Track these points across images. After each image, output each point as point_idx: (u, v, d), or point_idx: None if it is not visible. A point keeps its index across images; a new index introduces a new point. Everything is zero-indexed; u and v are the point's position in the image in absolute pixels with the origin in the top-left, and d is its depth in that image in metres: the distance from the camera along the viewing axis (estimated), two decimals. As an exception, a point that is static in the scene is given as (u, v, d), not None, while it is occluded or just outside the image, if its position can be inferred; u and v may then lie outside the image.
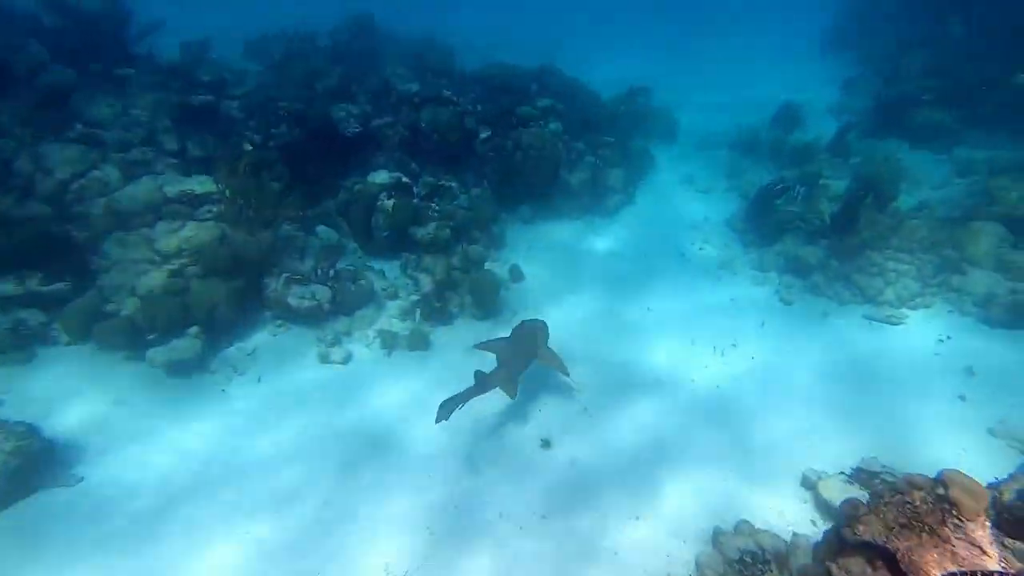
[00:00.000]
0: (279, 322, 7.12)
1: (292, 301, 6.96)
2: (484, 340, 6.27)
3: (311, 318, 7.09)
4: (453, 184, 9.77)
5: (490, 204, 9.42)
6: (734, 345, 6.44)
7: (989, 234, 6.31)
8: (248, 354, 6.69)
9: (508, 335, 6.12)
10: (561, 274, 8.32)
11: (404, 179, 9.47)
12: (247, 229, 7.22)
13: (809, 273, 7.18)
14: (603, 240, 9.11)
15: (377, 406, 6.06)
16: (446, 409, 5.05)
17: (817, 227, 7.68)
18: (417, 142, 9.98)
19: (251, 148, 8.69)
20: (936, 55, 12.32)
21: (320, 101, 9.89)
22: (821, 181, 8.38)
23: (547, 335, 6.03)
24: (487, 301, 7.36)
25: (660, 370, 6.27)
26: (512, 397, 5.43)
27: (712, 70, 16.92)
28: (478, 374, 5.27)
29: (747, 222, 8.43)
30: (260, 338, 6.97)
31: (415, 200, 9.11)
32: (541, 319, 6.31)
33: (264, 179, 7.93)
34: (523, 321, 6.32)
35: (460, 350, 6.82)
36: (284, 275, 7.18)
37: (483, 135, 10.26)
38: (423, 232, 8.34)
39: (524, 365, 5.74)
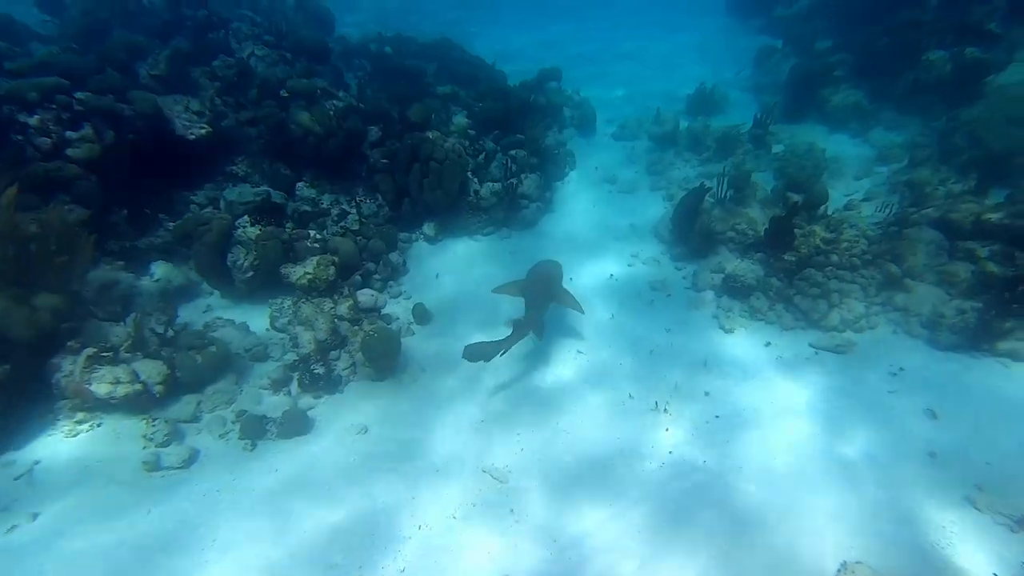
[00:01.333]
0: (80, 417, 5.01)
1: (100, 389, 4.91)
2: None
3: (135, 407, 5.11)
4: (340, 201, 7.91)
5: (388, 229, 7.66)
6: (677, 388, 5.45)
7: (926, 242, 5.77)
8: (18, 477, 4.51)
9: (525, 277, 6.28)
10: (476, 307, 6.89)
11: (273, 196, 7.45)
12: (12, 294, 4.94)
13: (748, 294, 6.34)
14: (522, 261, 7.77)
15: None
16: (481, 352, 5.15)
17: (752, 240, 6.87)
18: (290, 146, 7.90)
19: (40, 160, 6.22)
20: (839, 17, 12.15)
21: (144, 91, 7.41)
22: (751, 179, 7.55)
23: (562, 275, 6.30)
24: (386, 359, 5.76)
25: (599, 447, 5.05)
26: (540, 339, 5.90)
27: (618, 39, 15.93)
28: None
29: (675, 232, 7.45)
30: (47, 447, 4.80)
31: (288, 226, 7.16)
32: (556, 260, 6.52)
33: (55, 208, 5.63)
34: (539, 262, 6.52)
35: (353, 431, 5.23)
36: (87, 350, 5.07)
37: (373, 138, 8.39)
38: (300, 272, 6.48)
39: (546, 306, 5.92)
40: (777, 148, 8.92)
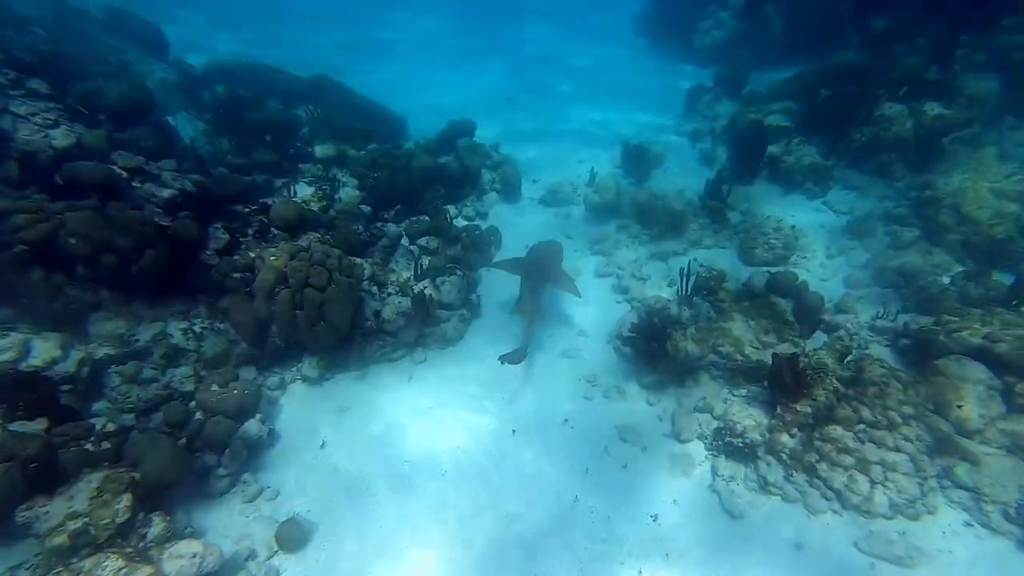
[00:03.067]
0: None
1: None
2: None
3: None
4: (168, 334, 5.18)
5: (243, 394, 4.88)
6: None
7: (973, 382, 4.33)
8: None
9: (525, 256, 6.40)
10: (387, 495, 4.55)
11: (33, 355, 4.57)
12: None
13: (753, 455, 4.57)
14: (440, 407, 5.52)
15: None
16: (517, 355, 5.37)
17: (740, 365, 5.15)
18: (71, 267, 5.04)
19: None
20: (760, 51, 11.25)
21: None
22: (724, 283, 5.84)
23: (562, 256, 6.30)
24: None
25: None
26: (534, 325, 5.71)
27: (528, 78, 14.10)
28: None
29: (639, 351, 5.57)
30: None
31: (44, 426, 4.29)
32: (556, 240, 6.66)
33: None
34: (540, 242, 6.63)
35: None
36: None
37: (213, 245, 5.70)
38: (58, 516, 3.72)
39: (542, 288, 5.89)
40: (734, 217, 7.41)
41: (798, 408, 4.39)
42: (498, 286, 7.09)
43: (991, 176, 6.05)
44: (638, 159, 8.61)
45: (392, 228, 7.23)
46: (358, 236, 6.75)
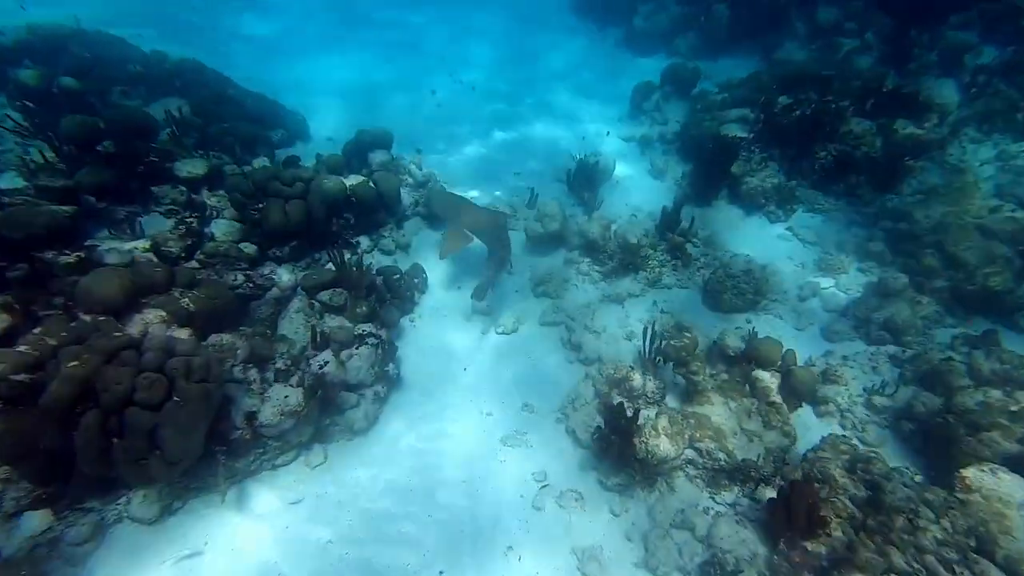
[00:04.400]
0: None
1: None
2: None
3: None
4: None
5: None
6: None
7: (1016, 506, 3.43)
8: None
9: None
10: None
11: None
12: None
13: (749, 597, 3.52)
14: (343, 542, 4.00)
15: None
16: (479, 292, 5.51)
17: (724, 465, 4.05)
18: None
19: None
20: (704, 38, 10.06)
21: None
22: (697, 351, 4.66)
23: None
24: None
25: None
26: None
27: (449, 54, 12.05)
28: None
29: (600, 446, 4.33)
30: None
31: None
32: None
33: None
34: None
35: None
36: None
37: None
38: None
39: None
40: (694, 248, 6.27)
41: (808, 547, 3.34)
42: (423, 337, 5.56)
43: (974, 209, 5.34)
44: (584, 176, 7.22)
45: (284, 276, 5.42)
46: (233, 292, 4.92)
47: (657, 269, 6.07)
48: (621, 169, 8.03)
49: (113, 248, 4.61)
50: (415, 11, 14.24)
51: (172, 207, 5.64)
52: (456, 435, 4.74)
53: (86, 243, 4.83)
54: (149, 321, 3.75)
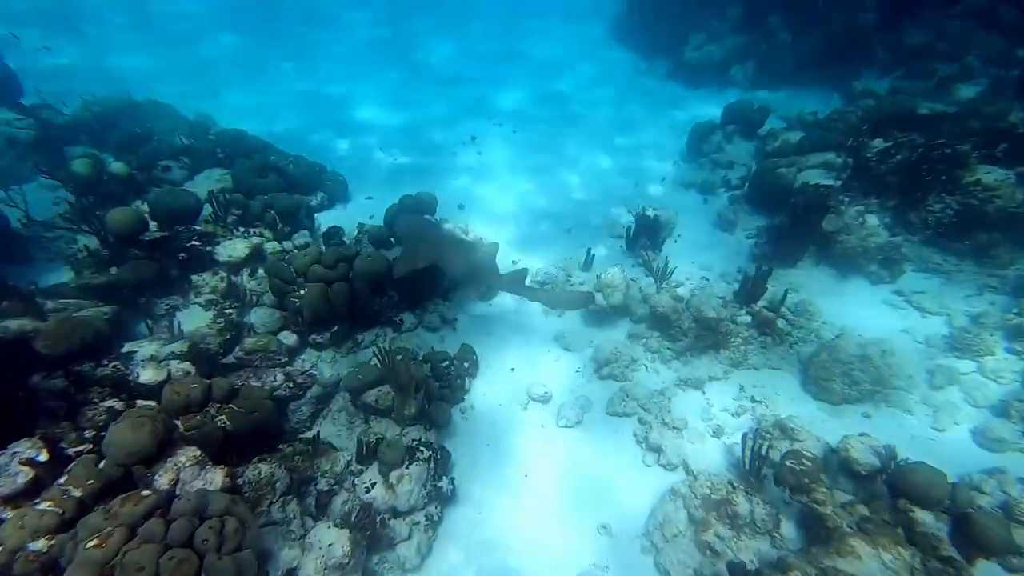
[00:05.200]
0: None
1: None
2: None
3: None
4: None
5: None
6: None
7: None
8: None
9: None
10: None
11: None
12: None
13: None
14: None
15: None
16: None
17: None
18: None
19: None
20: (764, 69, 9.08)
21: None
22: (822, 476, 3.79)
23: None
24: None
25: None
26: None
27: (479, 88, 11.54)
28: None
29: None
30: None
31: None
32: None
33: None
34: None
35: None
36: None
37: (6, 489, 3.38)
38: None
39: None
40: (782, 325, 5.37)
41: None
42: (477, 434, 4.94)
43: None
44: (645, 232, 6.50)
45: (326, 372, 4.97)
46: (272, 398, 4.47)
47: (742, 348, 5.23)
48: (683, 220, 7.26)
49: (149, 360, 4.26)
50: (446, 45, 14.06)
51: (212, 297, 5.35)
52: (523, 571, 4.04)
53: (124, 349, 4.54)
54: (181, 464, 3.30)
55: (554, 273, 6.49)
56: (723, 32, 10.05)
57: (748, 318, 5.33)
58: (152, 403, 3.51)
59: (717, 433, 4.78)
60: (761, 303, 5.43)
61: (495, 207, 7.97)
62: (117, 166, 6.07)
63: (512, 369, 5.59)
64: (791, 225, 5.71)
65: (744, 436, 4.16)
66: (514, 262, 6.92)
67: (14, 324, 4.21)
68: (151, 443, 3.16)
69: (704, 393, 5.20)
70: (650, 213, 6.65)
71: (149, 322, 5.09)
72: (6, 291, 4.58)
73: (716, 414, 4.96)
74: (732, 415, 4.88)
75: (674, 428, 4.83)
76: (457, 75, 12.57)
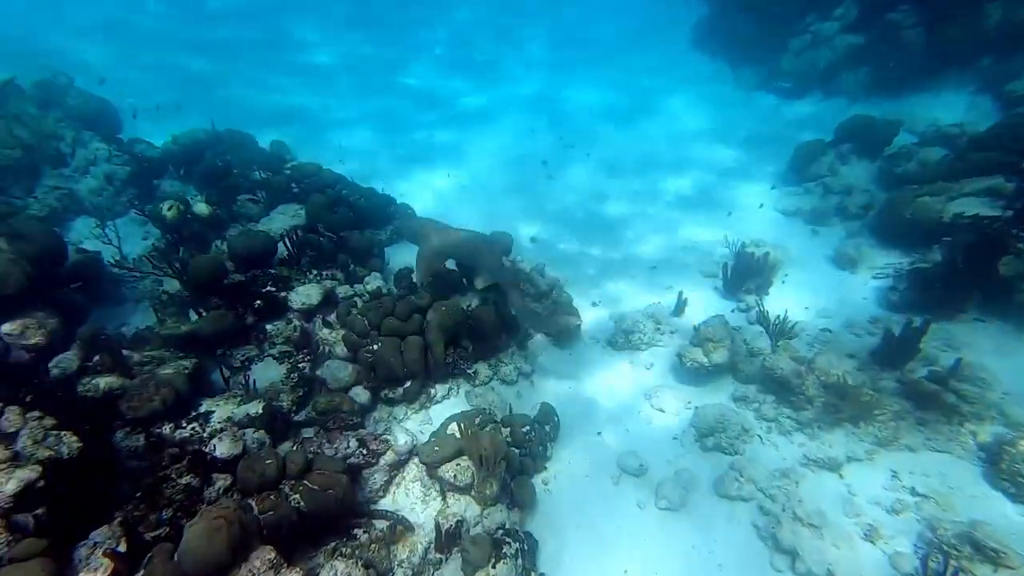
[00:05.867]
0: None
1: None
2: None
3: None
4: None
5: None
6: None
7: None
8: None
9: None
10: None
11: None
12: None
13: None
14: None
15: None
16: None
17: None
18: None
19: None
20: (885, 75, 7.73)
21: None
22: None
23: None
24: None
25: None
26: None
27: (553, 104, 10.87)
28: None
29: None
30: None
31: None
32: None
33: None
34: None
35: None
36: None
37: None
38: None
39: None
40: (951, 400, 4.34)
41: None
42: (563, 513, 4.36)
43: None
44: (746, 273, 5.65)
45: (401, 439, 4.59)
46: (346, 470, 4.15)
47: (891, 423, 4.29)
48: (790, 255, 6.31)
49: (226, 426, 4.07)
50: (513, 59, 13.67)
51: (285, 348, 5.18)
52: None
53: (202, 407, 4.41)
54: (256, 570, 2.99)
55: (641, 321, 5.81)
56: (830, 35, 8.87)
57: (896, 384, 4.39)
58: (228, 503, 3.24)
59: (870, 536, 3.91)
60: (914, 366, 4.46)
61: (567, 239, 7.41)
62: (200, 207, 6.14)
63: (599, 433, 4.98)
64: (949, 268, 4.67)
65: (918, 551, 3.30)
66: (594, 303, 6.33)
67: (103, 382, 4.19)
68: (227, 553, 2.88)
69: (842, 477, 4.33)
70: (753, 251, 5.80)
71: (225, 372, 4.99)
72: (98, 344, 4.60)
73: (864, 508, 4.09)
74: (887, 511, 3.99)
75: (810, 525, 4.00)
76: (524, 90, 12.16)
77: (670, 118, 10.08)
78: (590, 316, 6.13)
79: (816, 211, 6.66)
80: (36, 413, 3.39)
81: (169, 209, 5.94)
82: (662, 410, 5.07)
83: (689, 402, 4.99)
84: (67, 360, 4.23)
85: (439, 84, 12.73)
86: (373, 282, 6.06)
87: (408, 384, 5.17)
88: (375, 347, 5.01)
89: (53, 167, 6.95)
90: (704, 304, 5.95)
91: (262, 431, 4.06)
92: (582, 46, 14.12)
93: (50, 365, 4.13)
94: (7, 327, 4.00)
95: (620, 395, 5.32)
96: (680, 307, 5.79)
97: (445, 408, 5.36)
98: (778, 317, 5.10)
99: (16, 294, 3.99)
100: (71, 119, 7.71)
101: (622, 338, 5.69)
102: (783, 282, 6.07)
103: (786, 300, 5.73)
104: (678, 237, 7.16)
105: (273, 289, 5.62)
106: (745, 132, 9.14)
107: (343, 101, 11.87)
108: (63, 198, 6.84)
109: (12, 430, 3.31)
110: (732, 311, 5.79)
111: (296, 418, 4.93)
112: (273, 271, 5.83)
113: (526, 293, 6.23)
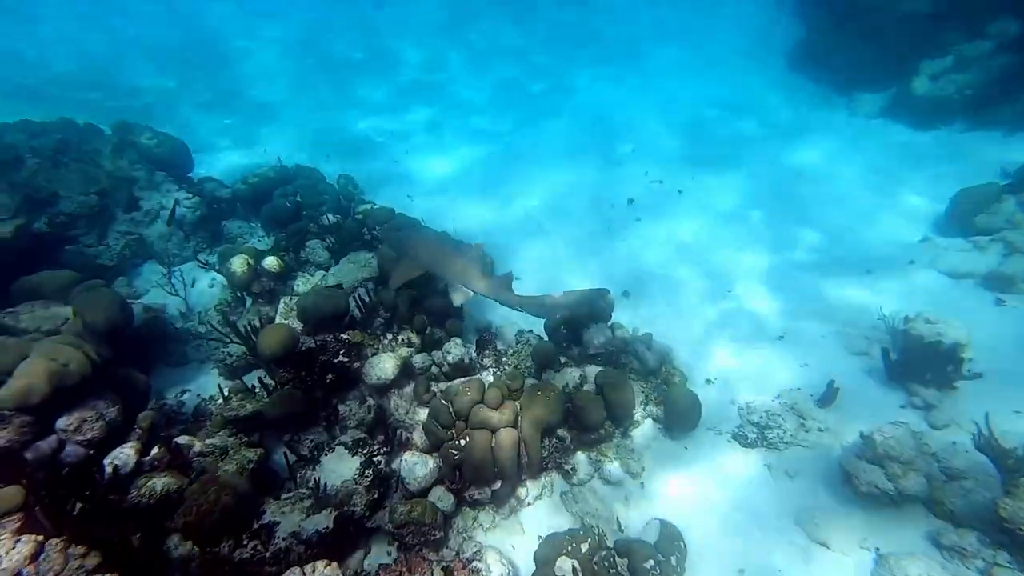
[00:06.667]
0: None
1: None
2: None
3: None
4: None
5: None
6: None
7: None
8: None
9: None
10: None
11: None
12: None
13: None
14: None
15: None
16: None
17: None
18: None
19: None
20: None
21: None
22: None
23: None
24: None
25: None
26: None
27: (641, 133, 9.95)
28: None
29: None
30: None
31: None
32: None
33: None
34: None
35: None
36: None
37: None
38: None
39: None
40: None
41: None
42: None
43: None
44: (927, 361, 4.47)
45: (495, 570, 3.75)
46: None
47: None
48: (971, 333, 5.05)
49: (292, 551, 3.40)
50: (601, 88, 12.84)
51: (358, 434, 4.51)
52: None
53: (265, 517, 3.78)
54: None
55: (778, 412, 4.74)
56: (979, 55, 7.54)
57: None
58: None
59: None
60: None
61: (666, 294, 6.45)
62: (270, 262, 5.70)
63: (741, 571, 3.94)
64: None
65: None
66: (708, 381, 5.33)
67: (160, 484, 3.64)
68: None
69: None
70: (929, 332, 4.61)
71: (291, 457, 4.38)
72: (156, 433, 4.10)
73: None
74: None
75: None
76: (610, 126, 11.33)
77: (778, 149, 8.93)
78: (704, 395, 5.13)
79: (998, 275, 5.36)
80: (80, 550, 2.81)
81: (239, 266, 5.50)
82: (825, 544, 3.97)
83: (866, 539, 3.87)
84: (124, 456, 3.73)
85: (505, 112, 12.19)
86: (454, 351, 5.33)
87: (498, 486, 4.38)
88: (462, 442, 4.25)
89: (125, 211, 6.79)
90: (858, 393, 4.81)
91: (333, 566, 3.33)
92: (665, 71, 13.23)
93: (105, 462, 3.63)
94: (63, 422, 3.54)
95: (762, 514, 4.26)
96: (829, 397, 4.69)
97: (537, 512, 4.53)
98: (1014, 450, 3.87)
99: (77, 384, 3.51)
100: (145, 160, 7.62)
101: (753, 433, 4.65)
102: (969, 372, 4.83)
103: (984, 400, 4.47)
104: (807, 298, 6.04)
105: (345, 360, 5.02)
106: (873, 169, 7.87)
107: (420, 132, 11.54)
108: (132, 244, 6.65)
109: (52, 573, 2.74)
110: (902, 407, 4.63)
111: (369, 523, 4.25)
112: (345, 336, 5.24)
113: (629, 367, 5.33)
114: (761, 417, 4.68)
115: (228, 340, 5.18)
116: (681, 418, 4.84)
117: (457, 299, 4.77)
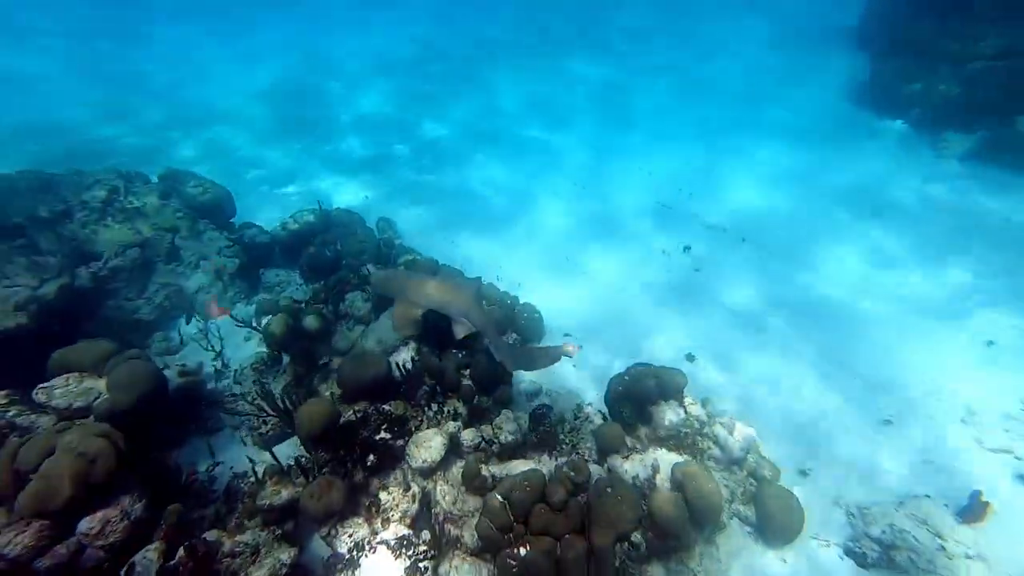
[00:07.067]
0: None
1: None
2: None
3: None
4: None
5: None
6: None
7: None
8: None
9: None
10: None
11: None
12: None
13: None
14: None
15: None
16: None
17: None
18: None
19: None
20: None
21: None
22: None
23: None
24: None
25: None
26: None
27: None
28: None
29: None
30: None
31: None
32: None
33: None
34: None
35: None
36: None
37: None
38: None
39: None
40: None
41: None
42: None
43: None
44: None
45: None
46: None
47: None
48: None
49: None
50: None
51: (402, 529, 4.00)
52: None
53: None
54: None
55: (907, 528, 3.94)
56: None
57: None
58: None
59: None
60: None
61: (737, 366, 5.76)
62: (310, 321, 5.39)
63: None
64: None
65: None
66: (803, 472, 4.58)
67: (182, 597, 3.20)
68: None
69: None
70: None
71: (327, 554, 3.90)
72: (181, 533, 3.70)
73: None
74: None
75: None
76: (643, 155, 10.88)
77: (839, 197, 8.21)
78: (800, 491, 4.38)
79: None
80: None
81: (277, 326, 5.20)
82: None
83: None
84: (145, 562, 3.33)
85: (544, 142, 11.90)
86: (506, 426, 4.80)
87: (561, 604, 3.76)
88: (521, 551, 3.68)
89: (166, 262, 6.68)
90: (1011, 505, 3.98)
91: None
92: (721, 101, 12.69)
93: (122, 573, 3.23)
94: (85, 525, 3.18)
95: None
96: (976, 511, 3.87)
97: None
98: None
99: (102, 483, 3.16)
100: (189, 209, 7.59)
101: (875, 551, 3.87)
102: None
103: None
104: (896, 388, 5.26)
105: (387, 436, 4.57)
106: (970, 223, 7.03)
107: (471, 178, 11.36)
108: (172, 296, 6.50)
109: None
110: None
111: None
112: (387, 408, 4.80)
113: (707, 454, 4.65)
114: (884, 532, 3.91)
115: (265, 415, 4.83)
116: (777, 523, 4.11)
117: (459, 332, 4.66)
